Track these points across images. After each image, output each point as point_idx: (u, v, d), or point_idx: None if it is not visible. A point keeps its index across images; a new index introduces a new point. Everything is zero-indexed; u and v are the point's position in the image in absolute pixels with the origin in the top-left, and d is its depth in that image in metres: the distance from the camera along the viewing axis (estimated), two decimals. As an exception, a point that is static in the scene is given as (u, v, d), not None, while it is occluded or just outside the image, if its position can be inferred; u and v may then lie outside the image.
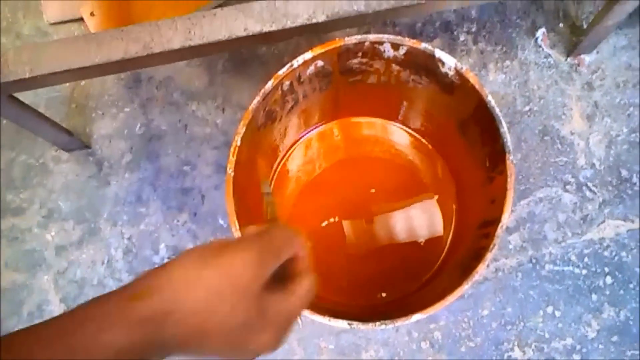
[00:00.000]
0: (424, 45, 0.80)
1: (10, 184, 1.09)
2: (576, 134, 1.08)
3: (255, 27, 0.82)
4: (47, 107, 1.11)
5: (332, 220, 1.00)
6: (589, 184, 1.06)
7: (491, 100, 0.76)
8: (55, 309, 1.05)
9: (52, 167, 1.10)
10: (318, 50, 0.80)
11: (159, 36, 0.82)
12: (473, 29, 1.13)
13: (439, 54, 0.80)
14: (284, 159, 1.03)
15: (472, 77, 0.78)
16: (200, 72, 1.13)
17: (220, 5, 1.13)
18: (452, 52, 1.12)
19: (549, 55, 1.12)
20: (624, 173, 1.07)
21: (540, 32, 1.13)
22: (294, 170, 1.03)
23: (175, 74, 1.13)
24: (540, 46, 1.13)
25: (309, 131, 1.03)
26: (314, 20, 0.82)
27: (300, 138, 1.03)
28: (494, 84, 1.11)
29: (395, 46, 0.82)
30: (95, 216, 1.08)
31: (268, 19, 0.82)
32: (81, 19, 1.14)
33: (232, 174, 0.75)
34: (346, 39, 0.81)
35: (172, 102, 1.12)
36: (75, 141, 1.08)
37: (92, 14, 1.13)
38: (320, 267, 0.98)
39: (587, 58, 1.12)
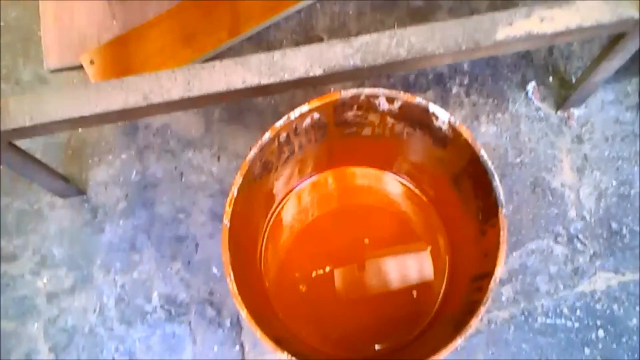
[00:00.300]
0: (418, 100, 0.82)
1: (4, 229, 1.09)
2: (567, 186, 1.10)
3: (253, 80, 0.84)
4: (44, 153, 1.12)
5: (324, 269, 1.01)
6: (580, 236, 1.08)
7: (484, 154, 0.78)
8: (45, 358, 1.03)
9: (46, 213, 1.10)
10: (315, 103, 0.82)
11: (158, 87, 0.83)
12: (465, 82, 1.16)
13: (433, 108, 0.82)
14: (279, 207, 1.03)
15: (465, 132, 0.80)
16: (197, 120, 1.14)
17: (217, 57, 1.16)
18: (444, 104, 1.14)
19: (539, 108, 1.15)
20: (614, 225, 1.08)
21: (531, 86, 1.16)
22: (288, 219, 1.04)
23: (172, 122, 1.14)
24: (530, 99, 1.15)
25: (304, 180, 1.04)
26: (311, 74, 0.83)
27: (295, 187, 1.04)
28: (486, 136, 1.13)
29: (390, 100, 0.84)
30: (88, 263, 1.07)
31: (266, 72, 0.84)
32: (81, 67, 1.16)
33: (228, 225, 0.76)
34: (342, 92, 0.83)
35: (169, 149, 1.13)
36: (71, 188, 1.08)
37: (91, 62, 1.15)
38: (313, 317, 0.98)
39: (576, 112, 1.14)
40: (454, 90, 1.15)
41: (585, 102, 1.14)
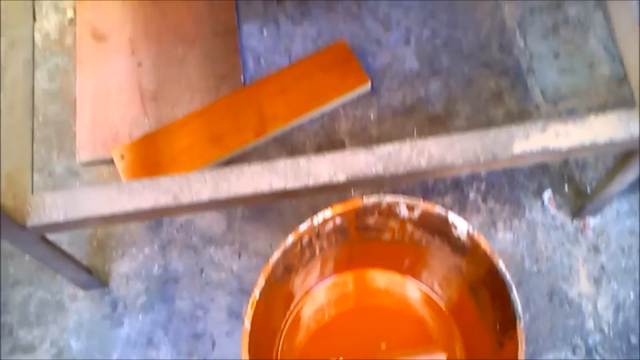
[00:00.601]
0: (438, 209, 0.85)
1: (25, 319, 1.10)
2: (584, 297, 1.10)
3: (279, 184, 0.87)
4: (70, 243, 1.15)
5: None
6: (599, 349, 1.07)
7: (502, 267, 0.79)
8: None
9: (67, 304, 1.11)
10: (337, 209, 0.85)
11: (188, 188, 0.86)
12: (482, 188, 1.19)
13: (452, 218, 0.84)
14: (297, 306, 1.04)
15: (483, 243, 0.82)
16: (220, 217, 1.17)
17: (242, 156, 1.20)
18: (462, 209, 1.17)
19: (556, 216, 1.17)
20: (633, 340, 1.07)
21: (547, 194, 1.18)
22: (305, 318, 1.04)
23: (196, 218, 1.17)
24: (546, 207, 1.18)
25: (323, 280, 1.05)
26: (335, 181, 0.87)
27: (314, 287, 1.05)
28: (503, 243, 1.15)
29: (410, 207, 0.87)
30: (104, 357, 1.08)
31: (291, 177, 0.87)
32: (111, 161, 1.21)
33: (249, 327, 0.77)
34: (364, 199, 0.86)
35: (191, 245, 1.15)
36: (93, 280, 1.10)
37: (122, 157, 1.20)
38: None
39: (592, 221, 1.16)
40: (471, 196, 1.18)
41: (601, 211, 1.16)
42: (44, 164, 1.22)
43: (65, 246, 1.12)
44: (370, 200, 0.85)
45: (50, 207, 0.85)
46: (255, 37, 1.32)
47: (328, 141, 1.23)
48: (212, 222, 1.17)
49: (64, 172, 1.22)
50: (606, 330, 1.08)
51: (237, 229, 1.16)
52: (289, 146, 1.23)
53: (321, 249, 0.93)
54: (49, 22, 1.35)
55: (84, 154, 1.23)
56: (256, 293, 0.79)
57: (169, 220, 1.17)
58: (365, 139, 1.23)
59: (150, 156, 1.20)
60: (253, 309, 0.78)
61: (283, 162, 0.88)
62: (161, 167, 1.19)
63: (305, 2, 1.35)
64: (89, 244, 1.16)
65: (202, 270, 1.13)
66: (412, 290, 1.05)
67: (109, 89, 1.28)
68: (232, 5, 1.35)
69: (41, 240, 0.91)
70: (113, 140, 1.23)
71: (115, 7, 1.36)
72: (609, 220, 1.16)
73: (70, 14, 1.36)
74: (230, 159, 1.20)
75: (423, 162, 0.87)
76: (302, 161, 0.88)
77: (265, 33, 1.33)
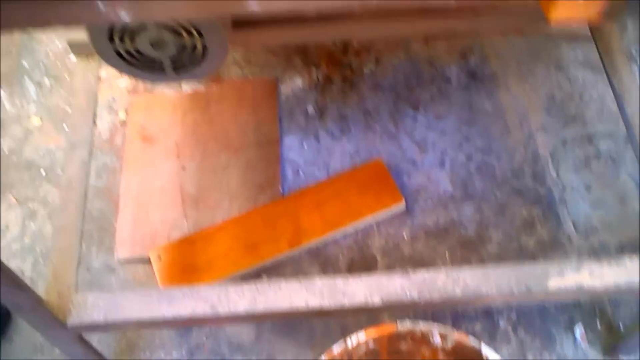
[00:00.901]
0: (471, 340, 0.85)
1: (47, 416, 1.10)
2: None
3: (314, 303, 0.88)
4: (100, 340, 1.15)
5: None
6: None
7: (536, 408, 0.78)
8: None
9: (91, 404, 1.11)
10: (371, 333, 0.85)
11: (226, 299, 0.89)
12: (513, 317, 1.19)
13: (486, 351, 0.84)
14: None
15: (517, 380, 0.81)
16: (249, 326, 1.18)
17: (275, 266, 1.22)
18: (491, 338, 1.16)
19: (587, 352, 1.15)
20: None
21: (579, 330, 1.17)
22: None
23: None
24: (578, 342, 1.16)
25: (348, 401, 1.04)
26: (370, 303, 0.88)
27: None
28: (533, 376, 1.13)
29: (444, 336, 0.87)
30: None
31: (328, 296, 0.89)
32: (148, 260, 1.24)
33: None
34: (399, 324, 0.86)
35: (219, 353, 1.15)
36: (119, 380, 1.11)
37: (159, 257, 1.23)
38: None
39: (625, 360, 1.14)
40: (502, 325, 1.18)
41: (635, 351, 1.14)
42: (83, 258, 1.25)
43: (95, 343, 1.13)
44: (404, 326, 0.86)
45: (92, 307, 0.88)
46: (296, 149, 1.38)
47: (361, 257, 1.25)
48: (241, 330, 1.17)
49: (101, 268, 1.25)
50: None
51: (266, 339, 1.16)
52: (322, 259, 1.25)
53: (351, 371, 0.93)
54: (102, 123, 1.43)
55: (122, 252, 1.26)
56: (286, 414, 0.79)
57: (199, 326, 1.18)
58: (397, 257, 1.25)
59: (187, 259, 1.23)
60: None
61: (320, 281, 0.90)
62: (196, 271, 1.21)
63: (345, 120, 1.42)
64: (118, 342, 1.17)
65: (227, 380, 1.13)
66: (440, 420, 1.03)
67: (152, 189, 1.33)
68: (276, 118, 1.42)
69: (78, 339, 0.92)
70: (152, 240, 1.27)
71: (165, 112, 1.44)
72: (643, 361, 1.14)
73: (122, 115, 1.44)
74: (263, 267, 1.23)
75: (458, 291, 0.89)
76: (339, 281, 0.90)
77: (305, 146, 1.39)
